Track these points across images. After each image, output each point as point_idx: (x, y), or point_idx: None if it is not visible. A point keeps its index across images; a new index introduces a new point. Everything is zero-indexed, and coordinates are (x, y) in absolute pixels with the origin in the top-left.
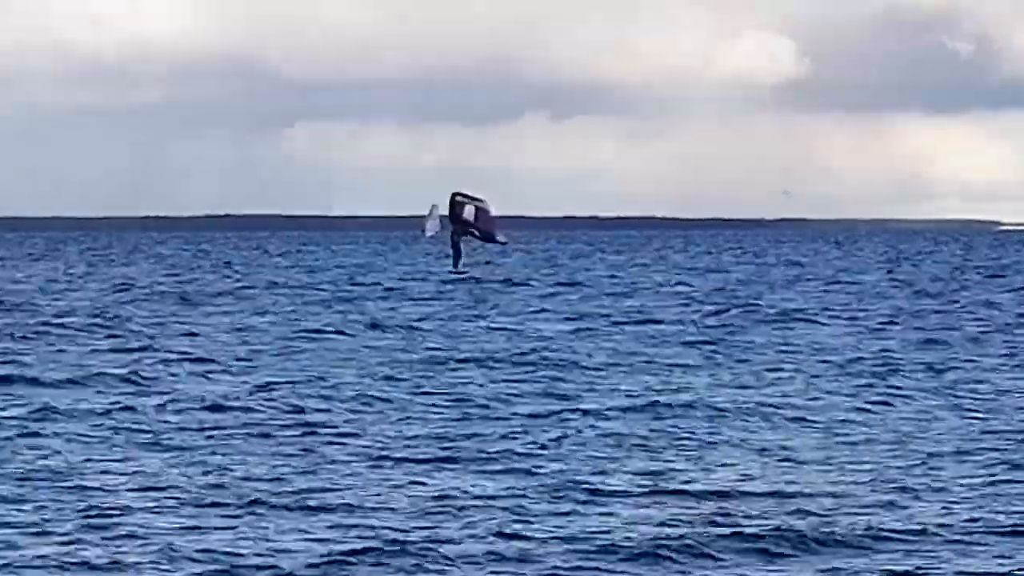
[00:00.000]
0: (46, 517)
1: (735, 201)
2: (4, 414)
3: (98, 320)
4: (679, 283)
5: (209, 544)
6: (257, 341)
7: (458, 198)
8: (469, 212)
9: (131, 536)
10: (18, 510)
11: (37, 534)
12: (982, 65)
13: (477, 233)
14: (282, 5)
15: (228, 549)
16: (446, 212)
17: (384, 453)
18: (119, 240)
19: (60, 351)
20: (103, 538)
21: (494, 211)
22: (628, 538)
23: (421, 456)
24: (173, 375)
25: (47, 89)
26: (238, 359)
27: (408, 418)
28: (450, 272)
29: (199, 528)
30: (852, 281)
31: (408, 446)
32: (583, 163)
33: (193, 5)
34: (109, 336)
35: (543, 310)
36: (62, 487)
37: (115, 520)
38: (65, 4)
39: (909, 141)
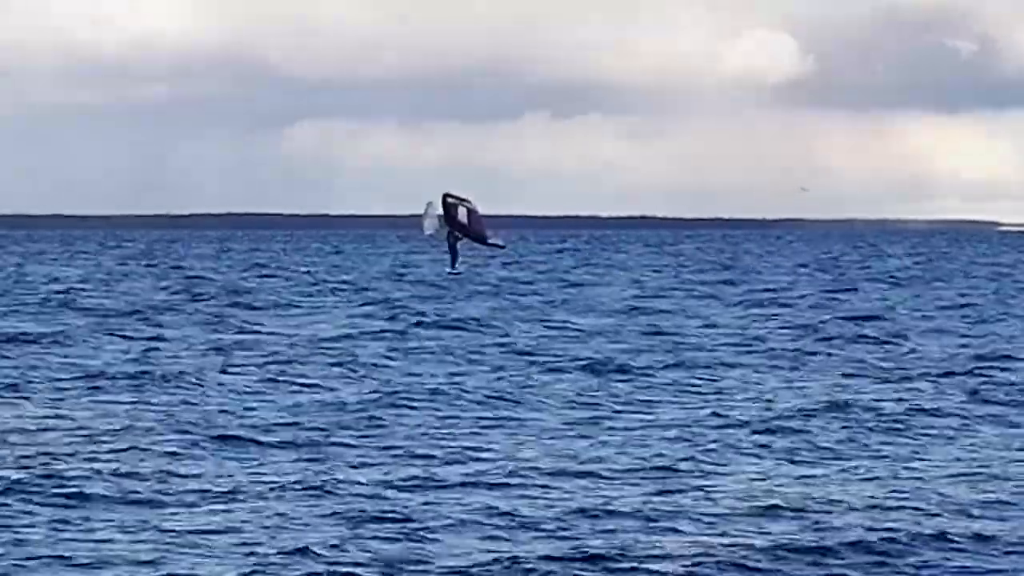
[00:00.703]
0: (132, 524)
1: (736, 200)
2: (84, 413)
3: (161, 318)
4: (721, 283)
5: (307, 555)
6: (326, 341)
7: (449, 199)
8: (462, 214)
9: (223, 545)
10: (102, 514)
11: (126, 543)
12: (983, 64)
13: (471, 235)
14: (283, 4)
15: (331, 558)
16: (440, 210)
17: (488, 460)
18: (126, 238)
19: (137, 350)
20: (197, 543)
21: (480, 210)
22: (742, 553)
23: (532, 466)
24: (247, 377)
25: (47, 88)
26: (316, 363)
27: (515, 431)
28: (448, 273)
29: (296, 542)
30: (897, 282)
31: (515, 455)
32: (583, 163)
33: (193, 4)
34: (173, 335)
35: (616, 310)
36: (148, 494)
37: (204, 526)
38: (66, 3)
39: (909, 140)
